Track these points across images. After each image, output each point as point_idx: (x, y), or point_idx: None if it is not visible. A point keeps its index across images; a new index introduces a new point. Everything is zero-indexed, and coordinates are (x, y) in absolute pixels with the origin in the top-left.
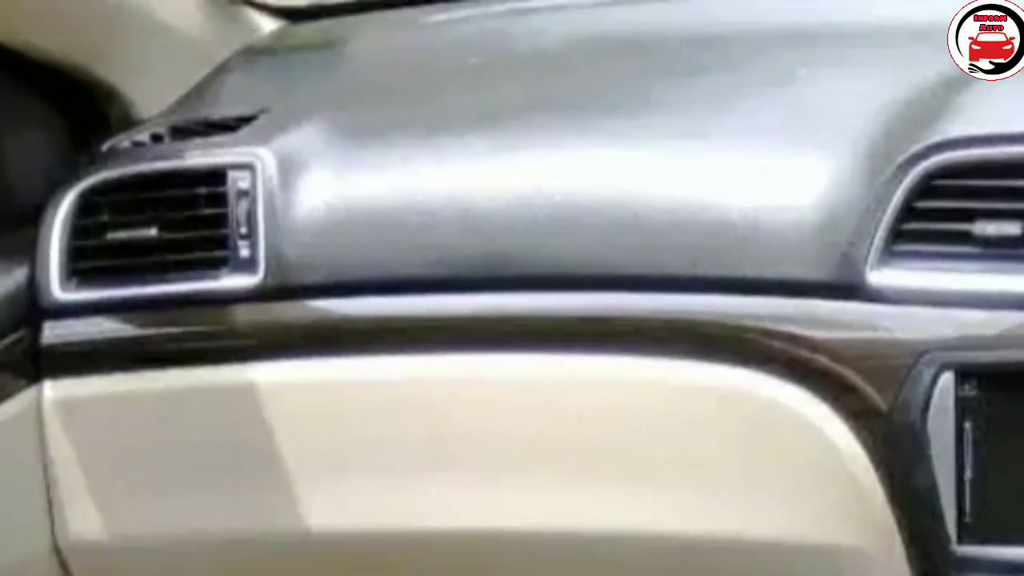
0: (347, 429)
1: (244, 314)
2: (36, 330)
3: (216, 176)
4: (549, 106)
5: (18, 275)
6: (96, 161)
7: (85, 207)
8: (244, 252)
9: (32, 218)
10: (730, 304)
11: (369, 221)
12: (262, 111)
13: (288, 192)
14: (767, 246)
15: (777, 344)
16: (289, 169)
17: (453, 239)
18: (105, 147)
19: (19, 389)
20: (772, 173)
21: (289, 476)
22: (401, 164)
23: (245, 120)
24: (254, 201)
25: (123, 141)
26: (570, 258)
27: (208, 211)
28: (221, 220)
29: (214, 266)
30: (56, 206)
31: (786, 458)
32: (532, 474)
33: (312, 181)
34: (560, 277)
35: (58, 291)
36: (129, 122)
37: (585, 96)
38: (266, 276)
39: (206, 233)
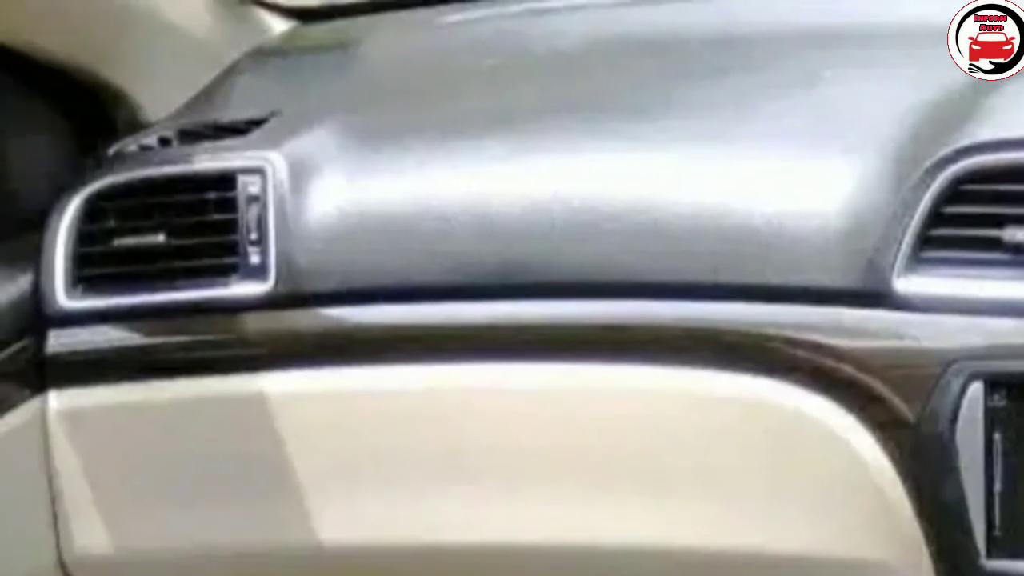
0: (360, 440)
1: (254, 322)
2: (40, 339)
3: (226, 180)
4: (567, 109)
5: (22, 282)
6: (102, 165)
7: (91, 212)
8: (254, 259)
9: (36, 224)
10: (753, 312)
11: (383, 227)
12: (273, 114)
13: (300, 197)
14: (791, 252)
15: (801, 353)
16: (301, 173)
17: (469, 245)
18: (111, 151)
19: (23, 399)
20: (796, 177)
21: (301, 488)
22: (415, 168)
23: (255, 123)
24: (265, 206)
25: (130, 145)
26: (589, 265)
27: (217, 216)
28: (231, 226)
29: (223, 273)
30: (61, 211)
31: (811, 470)
32: (550, 486)
33: (324, 185)
34: (579, 284)
35: (63, 299)
36: (136, 125)
37: (604, 99)
38: (277, 283)
39: (215, 239)
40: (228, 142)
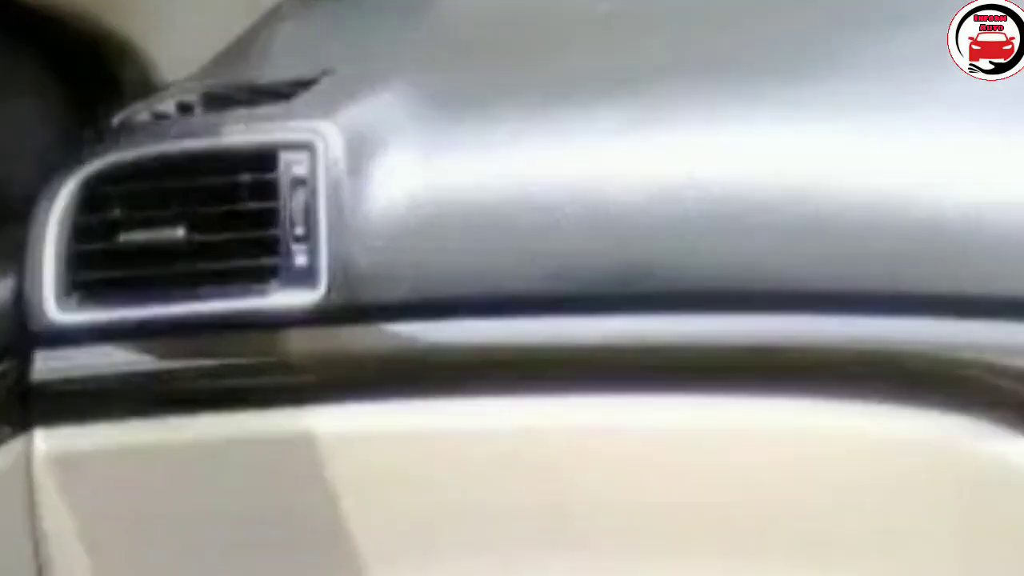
0: (437, 494)
1: (300, 341)
2: (25, 362)
3: (264, 159)
4: (703, 68)
5: (1, 290)
6: (105, 139)
7: (90, 200)
8: (300, 260)
9: (21, 215)
10: (944, 330)
11: (466, 220)
12: (324, 73)
13: (359, 180)
14: (993, 253)
15: (1006, 383)
16: (360, 150)
17: (578, 244)
18: (117, 120)
19: (2, 440)
20: (1001, 156)
21: (359, 556)
22: (508, 144)
23: (302, 85)
24: (314, 193)
25: (141, 112)
26: (732, 269)
27: (253, 205)
28: (270, 217)
29: (261, 278)
30: (52, 199)
31: (1016, 533)
32: (683, 553)
33: (391, 166)
34: (719, 294)
35: (54, 311)
36: (148, 87)
37: (751, 55)
38: (329, 291)
39: (250, 234)
40: (267, 109)
